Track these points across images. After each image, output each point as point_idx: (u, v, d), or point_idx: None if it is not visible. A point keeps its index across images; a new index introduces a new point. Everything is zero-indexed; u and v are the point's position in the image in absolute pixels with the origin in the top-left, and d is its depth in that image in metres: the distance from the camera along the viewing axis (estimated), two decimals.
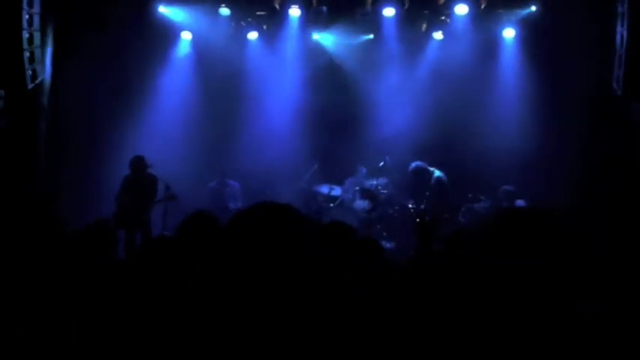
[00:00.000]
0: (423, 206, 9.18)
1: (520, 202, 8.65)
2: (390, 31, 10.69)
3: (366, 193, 9.84)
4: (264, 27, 11.12)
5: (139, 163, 8.79)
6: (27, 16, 7.94)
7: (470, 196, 9.49)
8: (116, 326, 2.28)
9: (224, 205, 9.80)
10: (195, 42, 11.13)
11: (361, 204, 9.93)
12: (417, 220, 9.06)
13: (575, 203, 8.23)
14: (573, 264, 1.69)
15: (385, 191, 9.97)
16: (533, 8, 10.00)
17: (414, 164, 9.21)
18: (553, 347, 1.62)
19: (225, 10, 10.66)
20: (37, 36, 8.28)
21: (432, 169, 9.25)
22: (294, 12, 10.65)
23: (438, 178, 9.12)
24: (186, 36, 11.06)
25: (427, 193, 9.14)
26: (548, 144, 9.41)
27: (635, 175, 8.37)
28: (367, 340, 2.01)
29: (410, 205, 9.50)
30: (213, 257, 1.79)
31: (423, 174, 9.17)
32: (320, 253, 1.70)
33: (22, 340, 2.37)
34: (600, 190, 8.75)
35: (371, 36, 10.97)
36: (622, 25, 8.01)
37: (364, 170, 10.40)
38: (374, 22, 10.70)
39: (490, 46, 10.50)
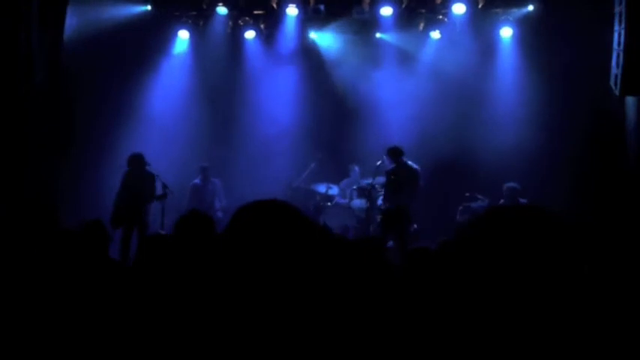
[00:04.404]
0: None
1: (522, 201, 8.57)
2: (388, 30, 10.71)
3: (363, 192, 9.82)
4: (262, 26, 11.10)
5: (137, 161, 8.68)
6: (24, 15, 7.90)
7: (467, 195, 9.48)
8: (112, 325, 2.26)
9: (209, 203, 9.80)
10: (192, 41, 11.10)
11: (358, 203, 9.94)
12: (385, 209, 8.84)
13: (573, 202, 8.23)
14: (569, 264, 1.68)
15: (382, 190, 9.94)
16: (531, 7, 10.02)
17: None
18: (552, 348, 1.62)
19: (222, 9, 10.64)
20: (34, 35, 8.23)
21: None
22: (292, 11, 10.63)
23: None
24: (183, 35, 11.03)
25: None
26: (546, 142, 9.41)
27: (633, 174, 8.37)
28: (367, 341, 2.00)
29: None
30: (212, 256, 1.77)
31: (398, 154, 8.84)
32: (323, 254, 1.69)
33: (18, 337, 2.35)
34: (598, 189, 8.75)
35: (369, 35, 10.96)
36: (619, 25, 8.00)
37: (358, 170, 10.40)
38: (371, 21, 10.69)
39: (488, 45, 10.50)
